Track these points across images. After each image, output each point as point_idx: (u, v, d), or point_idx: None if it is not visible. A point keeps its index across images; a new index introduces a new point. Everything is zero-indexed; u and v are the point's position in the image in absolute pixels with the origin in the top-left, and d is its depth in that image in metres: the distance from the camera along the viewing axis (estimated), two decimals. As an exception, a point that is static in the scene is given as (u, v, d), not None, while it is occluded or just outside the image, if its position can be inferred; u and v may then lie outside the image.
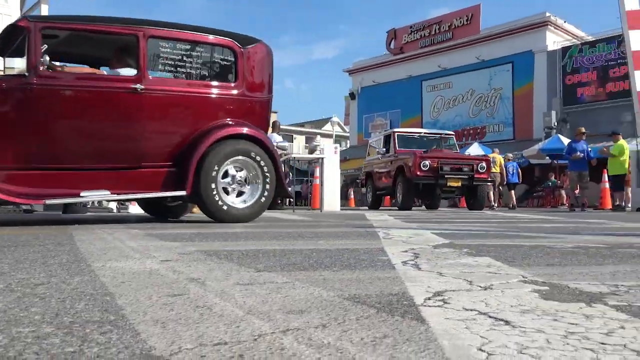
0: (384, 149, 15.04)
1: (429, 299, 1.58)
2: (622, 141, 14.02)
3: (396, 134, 14.81)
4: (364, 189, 18.07)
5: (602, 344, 1.10)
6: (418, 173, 12.92)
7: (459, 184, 13.29)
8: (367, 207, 17.14)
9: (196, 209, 8.10)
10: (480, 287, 1.80)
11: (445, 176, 13.12)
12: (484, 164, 13.65)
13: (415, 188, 13.45)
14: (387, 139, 15.08)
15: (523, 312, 1.41)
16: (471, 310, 1.42)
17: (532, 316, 1.35)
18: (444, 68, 32.74)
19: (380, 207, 16.74)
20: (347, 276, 2.03)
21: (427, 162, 12.91)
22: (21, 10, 14.36)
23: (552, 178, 22.84)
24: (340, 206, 13.25)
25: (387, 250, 2.97)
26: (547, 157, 23.04)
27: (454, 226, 5.77)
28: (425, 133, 15.73)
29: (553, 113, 26.43)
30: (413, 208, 14.83)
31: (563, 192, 20.59)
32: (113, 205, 10.79)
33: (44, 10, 15.82)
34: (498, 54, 30.35)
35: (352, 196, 25.53)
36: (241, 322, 1.27)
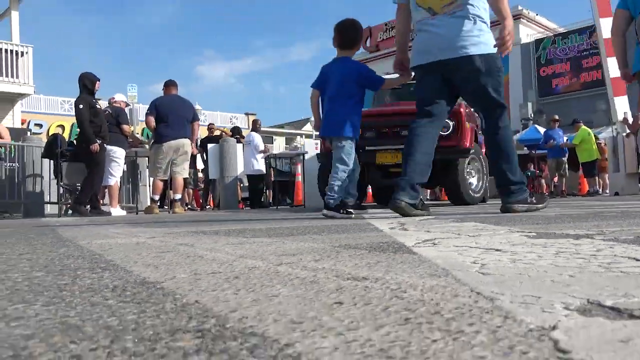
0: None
1: (419, 244, 1.59)
2: (583, 129, 14.23)
3: None
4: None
5: (592, 256, 1.12)
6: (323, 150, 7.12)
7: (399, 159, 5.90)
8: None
9: (179, 209, 8.02)
10: (469, 235, 1.81)
11: (367, 148, 6.57)
12: (447, 122, 6.31)
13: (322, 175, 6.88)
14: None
15: (513, 244, 1.42)
16: (462, 246, 1.44)
17: (523, 247, 1.36)
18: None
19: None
20: (336, 237, 2.03)
21: None
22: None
23: (531, 168, 23.11)
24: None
25: (374, 223, 2.99)
26: (525, 148, 23.31)
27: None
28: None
29: (529, 104, 26.74)
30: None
31: (543, 181, 20.85)
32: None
33: (14, 17, 15.59)
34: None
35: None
36: (234, 262, 1.27)
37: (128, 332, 0.59)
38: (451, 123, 6.27)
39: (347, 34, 4.25)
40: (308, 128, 42.70)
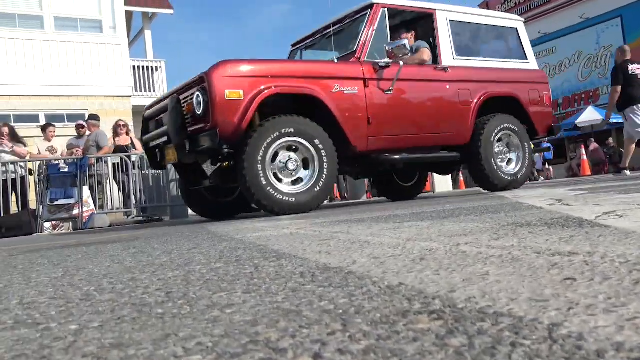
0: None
1: (600, 216, 1.44)
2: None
3: None
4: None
5: None
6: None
7: (174, 156, 4.50)
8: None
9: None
10: (653, 205, 1.62)
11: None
12: (198, 95, 4.14)
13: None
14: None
15: None
16: (658, 216, 1.27)
17: None
18: (545, 33, 30.81)
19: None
20: (496, 216, 1.91)
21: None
22: (128, 38, 15.43)
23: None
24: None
25: (526, 201, 2.80)
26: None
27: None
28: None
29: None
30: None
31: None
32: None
33: (148, 36, 16.89)
34: (604, 9, 28.04)
35: (462, 178, 24.69)
36: (406, 245, 1.22)
37: (354, 316, 0.56)
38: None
39: None
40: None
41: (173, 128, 4.29)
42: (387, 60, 4.71)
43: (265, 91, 4.13)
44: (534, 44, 31.82)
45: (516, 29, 6.01)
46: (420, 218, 2.26)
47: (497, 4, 33.55)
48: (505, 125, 5.46)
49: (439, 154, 5.28)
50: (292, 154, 4.26)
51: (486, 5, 34.10)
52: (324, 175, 4.31)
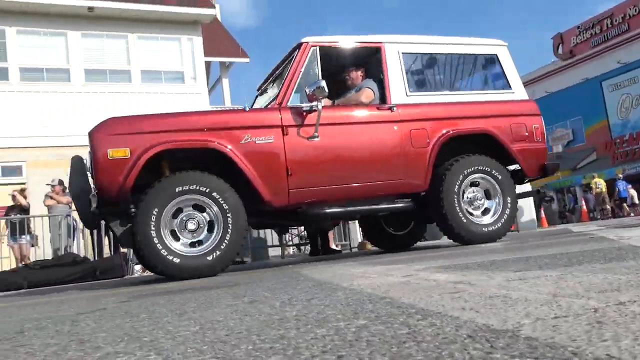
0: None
1: None
2: None
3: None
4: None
5: None
6: None
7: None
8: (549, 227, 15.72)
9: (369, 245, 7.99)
10: None
11: None
12: (90, 154, 4.16)
13: None
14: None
15: None
16: None
17: None
18: (624, 63, 29.64)
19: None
20: (624, 265, 1.80)
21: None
22: (207, 86, 16.12)
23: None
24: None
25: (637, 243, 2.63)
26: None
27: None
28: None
29: None
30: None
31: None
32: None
33: (225, 84, 17.62)
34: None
35: (543, 214, 23.70)
36: (558, 302, 1.16)
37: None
38: None
39: None
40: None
41: (72, 190, 4.29)
42: (310, 104, 4.29)
43: (154, 148, 3.89)
44: (613, 74, 30.72)
45: (495, 55, 5.27)
46: (534, 266, 2.17)
47: (571, 36, 32.76)
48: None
49: (386, 205, 4.69)
50: (197, 213, 4.01)
51: (560, 38, 33.40)
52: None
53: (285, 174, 4.21)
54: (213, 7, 14.48)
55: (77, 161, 4.21)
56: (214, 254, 3.95)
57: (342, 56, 5.01)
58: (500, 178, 4.81)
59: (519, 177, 5.15)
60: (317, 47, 4.57)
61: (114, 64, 12.88)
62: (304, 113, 4.33)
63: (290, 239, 9.04)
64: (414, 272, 2.51)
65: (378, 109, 4.64)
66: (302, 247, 10.63)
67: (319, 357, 0.88)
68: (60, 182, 8.99)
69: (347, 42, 4.85)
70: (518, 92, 5.25)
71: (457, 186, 4.66)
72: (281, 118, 4.27)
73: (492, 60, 5.31)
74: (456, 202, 4.64)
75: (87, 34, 12.58)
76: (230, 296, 2.27)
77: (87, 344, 1.35)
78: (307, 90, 4.18)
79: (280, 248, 9.35)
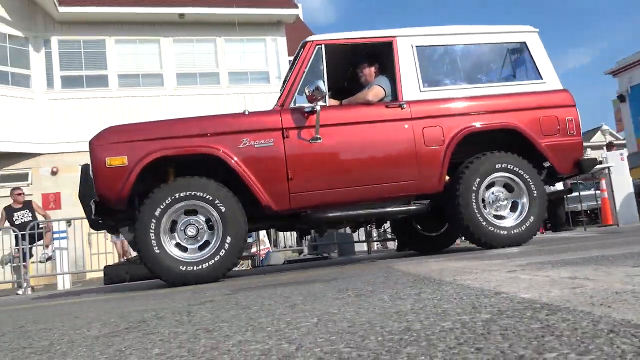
0: None
1: None
2: None
3: None
4: None
5: None
6: None
7: None
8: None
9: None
10: None
11: None
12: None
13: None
14: None
15: None
16: None
17: None
18: None
19: None
20: None
21: None
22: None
23: None
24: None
25: None
26: None
27: None
28: None
29: None
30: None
31: None
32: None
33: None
34: None
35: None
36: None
37: None
38: None
39: None
40: (597, 138, 38.76)
41: (79, 196, 4.45)
42: (312, 105, 4.13)
43: (150, 155, 3.92)
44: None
45: (524, 42, 4.86)
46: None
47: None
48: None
49: (396, 208, 4.46)
50: (196, 219, 4.01)
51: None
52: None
53: (286, 178, 4.16)
54: (296, 6, 14.72)
55: (84, 168, 4.43)
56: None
57: (353, 53, 4.86)
58: (525, 176, 4.49)
59: (551, 175, 4.79)
60: (323, 46, 4.43)
61: (203, 67, 13.42)
62: (306, 114, 4.24)
63: (380, 233, 9.06)
64: (517, 268, 2.45)
65: (387, 106, 4.45)
66: (387, 243, 10.61)
67: (456, 349, 0.89)
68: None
69: (357, 38, 4.68)
70: (550, 81, 4.81)
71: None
72: (281, 120, 4.20)
73: (520, 49, 4.91)
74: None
75: (178, 39, 13.19)
76: (333, 290, 2.31)
77: (215, 333, 1.44)
78: (306, 91, 4.10)
79: (366, 244, 9.39)
